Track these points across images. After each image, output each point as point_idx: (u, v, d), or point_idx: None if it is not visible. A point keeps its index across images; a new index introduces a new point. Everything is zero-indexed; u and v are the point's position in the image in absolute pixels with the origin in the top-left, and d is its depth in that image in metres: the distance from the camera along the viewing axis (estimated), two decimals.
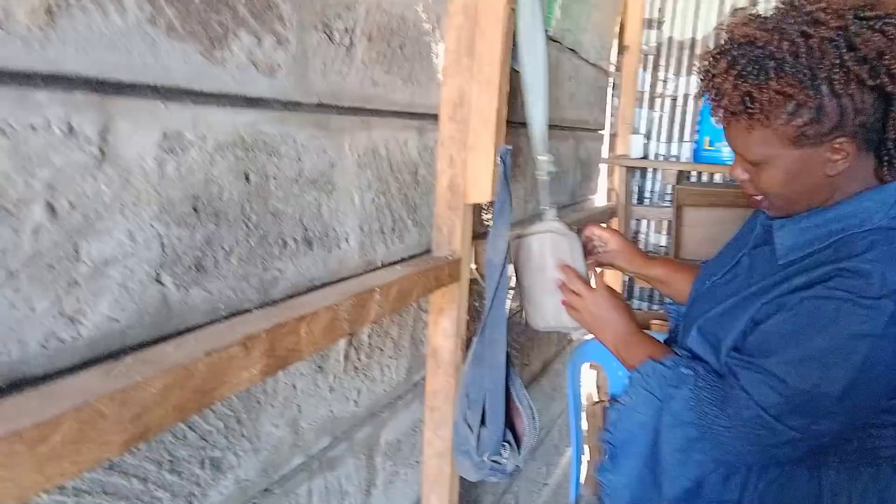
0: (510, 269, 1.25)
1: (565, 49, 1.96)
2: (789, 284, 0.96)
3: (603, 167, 2.70)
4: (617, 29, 2.64)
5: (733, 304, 1.05)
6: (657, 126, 2.85)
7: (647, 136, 2.84)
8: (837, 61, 0.85)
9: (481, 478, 1.26)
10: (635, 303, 2.97)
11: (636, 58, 2.72)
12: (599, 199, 2.68)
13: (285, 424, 0.90)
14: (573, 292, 1.20)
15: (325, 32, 0.89)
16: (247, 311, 0.79)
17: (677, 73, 2.80)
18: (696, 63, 1.00)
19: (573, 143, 2.20)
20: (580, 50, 2.12)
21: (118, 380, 0.52)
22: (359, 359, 1.07)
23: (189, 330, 0.70)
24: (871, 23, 0.87)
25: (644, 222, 2.94)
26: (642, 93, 2.83)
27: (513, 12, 1.14)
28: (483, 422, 1.23)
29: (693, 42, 2.76)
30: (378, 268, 1.08)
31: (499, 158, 1.17)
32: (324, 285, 0.94)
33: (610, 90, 2.70)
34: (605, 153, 2.73)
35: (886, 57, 0.85)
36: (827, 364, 0.89)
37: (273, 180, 0.82)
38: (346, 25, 0.93)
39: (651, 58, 2.82)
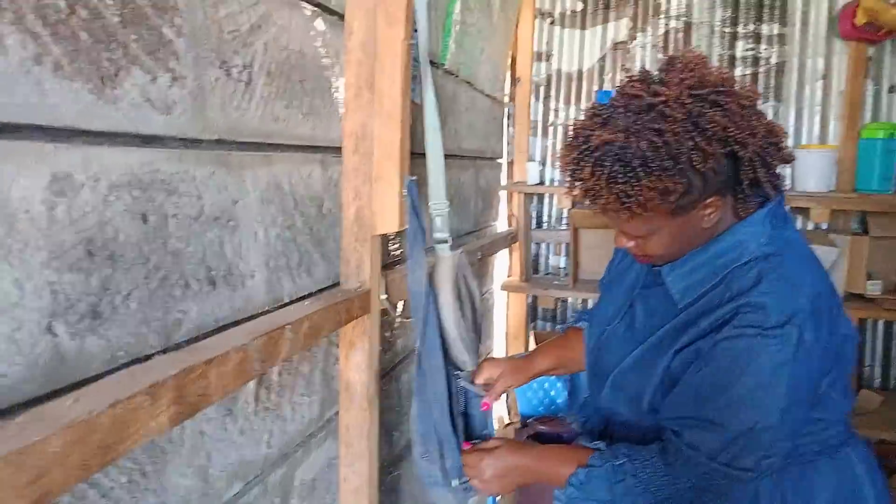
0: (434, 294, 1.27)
1: (461, 81, 2.02)
2: (697, 329, 1.02)
3: (503, 194, 2.78)
4: (508, 62, 2.75)
5: (642, 354, 1.10)
6: (551, 153, 2.97)
7: (543, 163, 2.95)
8: (692, 144, 0.93)
9: (464, 502, 1.26)
10: (539, 324, 3.05)
11: (528, 89, 2.84)
12: (501, 225, 2.76)
13: (193, 474, 0.86)
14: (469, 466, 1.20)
15: (222, 68, 0.88)
16: (149, 357, 0.76)
17: (567, 103, 2.93)
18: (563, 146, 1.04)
19: (473, 172, 2.25)
20: (475, 82, 2.19)
21: (12, 440, 0.48)
22: (269, 399, 1.04)
23: (87, 381, 0.66)
24: (707, 100, 0.95)
25: (543, 245, 3.04)
26: (536, 122, 2.95)
27: (410, 47, 1.17)
28: (441, 453, 1.22)
29: (580, 73, 2.90)
30: (286, 304, 1.06)
31: (404, 190, 1.18)
32: (230, 325, 0.91)
33: (505, 120, 2.79)
34: (503, 180, 2.82)
35: (731, 129, 0.95)
36: (758, 399, 0.96)
37: (172, 219, 0.79)
38: (244, 61, 0.92)
39: (542, 88, 2.94)
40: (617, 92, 1.01)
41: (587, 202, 1.02)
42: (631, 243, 1.07)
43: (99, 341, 0.68)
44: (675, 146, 0.93)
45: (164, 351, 0.78)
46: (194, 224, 0.83)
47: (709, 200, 1.00)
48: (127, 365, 0.72)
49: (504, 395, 2.52)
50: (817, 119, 2.69)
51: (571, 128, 1.03)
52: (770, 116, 2.65)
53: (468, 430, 1.30)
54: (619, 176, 0.95)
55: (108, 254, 0.69)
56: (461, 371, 1.30)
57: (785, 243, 1.03)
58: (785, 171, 2.65)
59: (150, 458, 0.77)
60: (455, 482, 1.23)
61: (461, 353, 1.30)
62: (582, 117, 1.03)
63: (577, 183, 1.01)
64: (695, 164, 0.93)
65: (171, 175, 0.79)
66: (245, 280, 0.95)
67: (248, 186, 0.95)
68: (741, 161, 0.98)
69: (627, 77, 1.03)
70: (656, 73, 1.01)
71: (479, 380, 1.32)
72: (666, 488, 1.02)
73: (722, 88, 0.96)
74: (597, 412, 1.26)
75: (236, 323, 0.93)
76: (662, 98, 0.94)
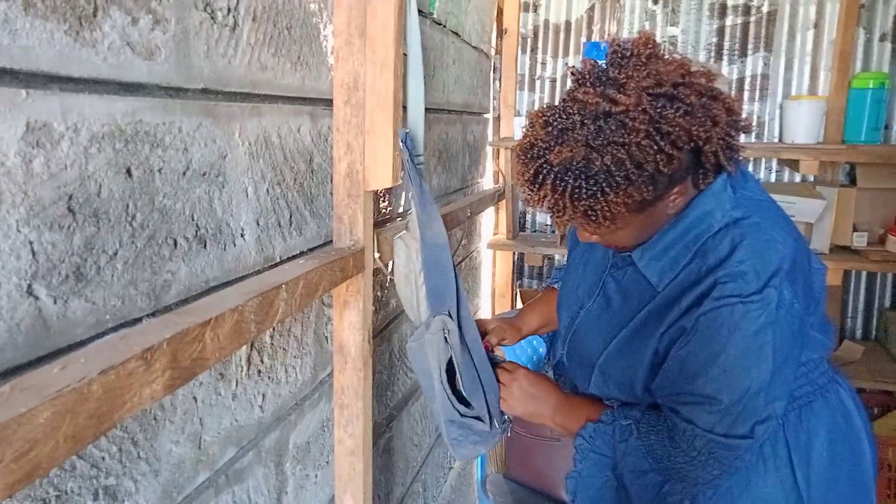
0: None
1: (448, 32, 1.95)
2: (679, 307, 1.02)
3: (489, 150, 2.72)
4: (495, 13, 2.66)
5: (626, 339, 1.09)
6: (538, 107, 2.91)
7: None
8: (656, 148, 0.90)
9: (497, 440, 1.28)
10: (526, 281, 3.04)
11: (515, 41, 2.75)
12: (487, 182, 2.71)
13: (186, 440, 0.83)
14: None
15: (206, 11, 0.81)
16: (137, 320, 0.71)
17: (555, 56, 2.86)
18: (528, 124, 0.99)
19: (461, 127, 2.20)
20: (462, 33, 2.12)
21: None
22: (262, 361, 1.01)
23: (73, 347, 0.61)
24: (667, 99, 0.91)
25: (523, 191, 3.00)
26: (522, 75, 2.88)
27: None
28: (485, 397, 1.23)
29: (568, 24, 2.83)
30: (277, 263, 1.02)
31: (400, 143, 1.13)
32: (220, 286, 0.87)
33: (492, 73, 2.72)
34: (490, 136, 2.76)
35: (693, 128, 0.92)
36: (745, 367, 0.96)
37: (158, 174, 0.74)
38: (228, 4, 0.86)
39: (529, 41, 2.87)
40: (569, 96, 0.95)
41: (553, 220, 0.99)
42: (595, 237, 1.04)
43: (84, 304, 0.64)
44: (640, 157, 0.90)
45: (154, 314, 0.74)
46: (181, 179, 0.78)
47: (674, 190, 0.99)
48: (114, 329, 0.68)
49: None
50: (807, 70, 2.65)
51: (523, 137, 0.97)
52: (760, 68, 2.65)
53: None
54: (584, 192, 0.91)
55: (91, 211, 0.64)
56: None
57: (749, 202, 1.03)
58: (774, 122, 2.64)
59: (140, 426, 0.74)
60: (496, 422, 1.25)
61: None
62: (532, 125, 0.96)
63: (536, 198, 0.96)
64: (660, 165, 0.91)
65: (156, 126, 0.73)
66: (235, 238, 0.91)
67: (236, 139, 0.89)
68: (704, 151, 0.96)
69: (574, 78, 0.98)
70: (608, 69, 0.95)
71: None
72: (666, 459, 1.03)
73: (679, 81, 0.92)
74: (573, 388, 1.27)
75: (227, 284, 0.88)
76: (621, 107, 0.89)
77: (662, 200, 0.99)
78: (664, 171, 0.92)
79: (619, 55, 0.95)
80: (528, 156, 0.95)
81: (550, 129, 0.93)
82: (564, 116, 0.93)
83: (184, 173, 0.78)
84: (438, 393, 1.23)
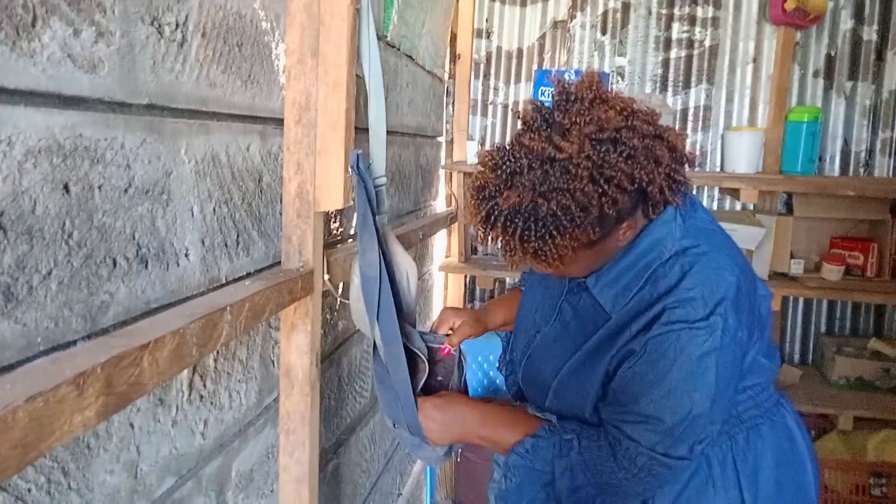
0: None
1: (402, 55, 1.96)
2: (629, 332, 1.04)
3: (442, 173, 2.73)
4: (449, 38, 2.69)
5: (580, 362, 1.11)
6: (490, 132, 2.94)
7: (482, 143, 2.92)
8: (600, 192, 0.93)
9: (447, 457, 1.26)
10: (477, 304, 3.05)
11: (468, 66, 2.79)
12: (440, 205, 2.72)
13: (122, 469, 0.79)
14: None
15: (153, 25, 0.79)
16: (72, 343, 0.68)
17: (507, 82, 2.91)
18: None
19: (414, 150, 2.20)
20: (416, 57, 2.13)
21: None
22: (204, 386, 0.97)
23: (0, 371, 0.58)
24: (610, 144, 0.94)
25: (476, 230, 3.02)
26: (475, 100, 2.91)
27: (357, 12, 1.11)
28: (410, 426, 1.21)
29: (520, 52, 2.88)
30: (223, 284, 0.99)
31: (351, 165, 1.12)
32: (163, 307, 0.83)
33: (445, 98, 2.74)
34: (443, 160, 2.77)
35: (636, 171, 0.95)
36: (689, 390, 0.99)
37: (98, 191, 0.71)
38: (177, 19, 0.84)
39: (482, 66, 2.91)
40: (516, 140, 0.98)
41: (504, 257, 1.01)
42: (548, 270, 1.06)
43: (14, 326, 0.60)
44: (585, 201, 0.93)
45: (90, 336, 0.71)
46: (123, 197, 0.75)
47: (623, 225, 1.02)
48: (46, 353, 0.64)
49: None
50: (747, 102, 2.76)
51: (475, 179, 1.00)
52: (703, 100, 2.74)
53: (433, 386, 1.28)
54: (532, 235, 0.94)
55: (24, 228, 0.61)
56: (412, 334, 1.28)
57: (698, 231, 1.07)
58: (716, 151, 2.73)
59: (72, 455, 0.70)
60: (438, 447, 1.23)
61: (411, 317, 1.29)
62: (483, 166, 1.00)
63: (489, 238, 1.00)
64: (605, 206, 0.94)
65: (97, 142, 0.71)
66: (179, 258, 0.88)
67: (182, 157, 0.87)
68: (649, 190, 0.99)
69: (521, 121, 1.01)
70: (553, 112, 0.98)
71: (442, 328, 1.31)
72: (606, 475, 1.04)
73: (622, 126, 0.95)
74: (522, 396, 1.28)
75: (170, 305, 0.85)
76: (565, 154, 0.92)
77: (611, 236, 1.02)
78: (609, 212, 0.95)
79: (564, 98, 0.98)
80: (480, 197, 0.98)
81: (500, 172, 0.96)
82: (513, 160, 0.96)
83: (125, 190, 0.76)
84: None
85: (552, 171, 0.92)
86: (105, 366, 0.58)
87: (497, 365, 1.52)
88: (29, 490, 0.64)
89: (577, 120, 0.94)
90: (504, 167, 0.96)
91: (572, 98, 0.97)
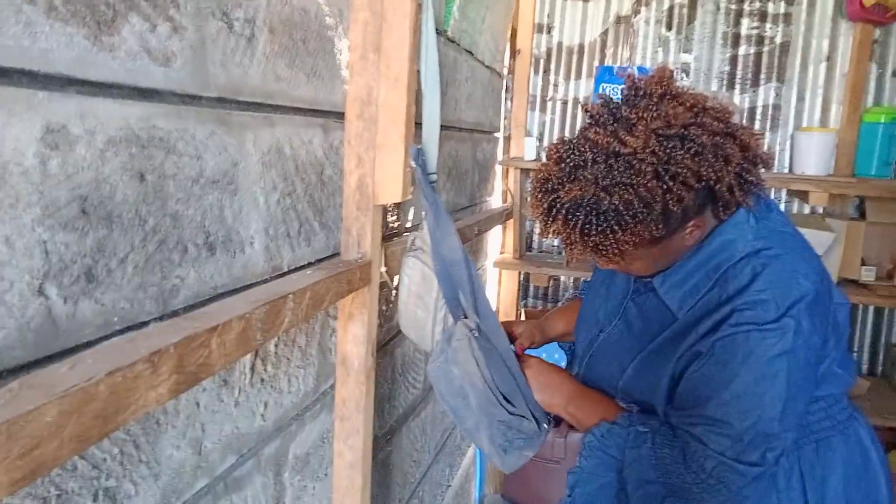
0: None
1: (462, 50, 1.97)
2: (696, 334, 1.02)
3: (498, 169, 2.73)
4: (509, 33, 2.69)
5: (644, 362, 1.09)
6: (549, 129, 2.92)
7: (540, 139, 2.91)
8: (665, 188, 0.92)
9: (542, 439, 1.23)
10: (531, 301, 3.04)
11: (528, 62, 2.78)
12: (495, 201, 2.72)
13: (187, 445, 0.83)
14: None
15: (224, 21, 0.83)
16: (144, 323, 0.72)
17: (567, 78, 2.88)
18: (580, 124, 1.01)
19: (471, 145, 2.21)
20: (476, 52, 2.14)
21: (3, 409, 0.44)
22: (265, 370, 1.01)
23: (80, 347, 0.62)
24: (677, 141, 0.92)
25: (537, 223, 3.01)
26: (534, 96, 2.90)
27: (419, 8, 1.12)
28: (527, 402, 1.20)
29: (581, 48, 2.85)
30: (284, 273, 1.02)
31: (412, 160, 1.14)
32: (228, 293, 0.87)
33: (504, 93, 2.74)
34: (500, 155, 2.77)
35: (703, 169, 0.93)
36: (759, 393, 0.96)
37: (171, 180, 0.75)
38: (246, 15, 0.87)
39: (542, 62, 2.89)
40: (582, 134, 0.98)
41: (564, 248, 1.01)
42: (612, 266, 1.05)
43: (93, 306, 0.64)
44: (648, 197, 0.91)
45: (161, 318, 0.74)
46: (194, 186, 0.79)
47: (689, 224, 0.99)
48: (122, 332, 0.68)
49: None
50: (819, 101, 2.66)
51: (539, 171, 1.00)
52: (772, 98, 2.66)
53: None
54: (593, 229, 0.93)
55: (104, 213, 0.65)
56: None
57: (772, 234, 1.03)
58: (784, 152, 2.64)
59: (143, 429, 0.74)
60: (544, 424, 1.21)
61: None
62: (548, 159, 1.00)
63: (549, 231, 0.99)
64: (669, 204, 0.92)
65: (170, 133, 0.74)
66: (244, 247, 0.91)
67: (249, 149, 0.90)
68: (717, 188, 0.97)
69: (587, 116, 0.99)
70: (621, 107, 0.96)
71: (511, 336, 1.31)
72: (675, 476, 1.02)
73: (690, 122, 0.93)
74: None
75: (234, 291, 0.89)
76: (630, 149, 0.91)
77: (677, 233, 1.00)
78: (674, 209, 0.93)
79: (633, 93, 0.97)
80: (543, 189, 0.98)
81: (563, 165, 0.96)
82: (577, 154, 0.95)
83: (196, 180, 0.79)
84: (483, 393, 1.18)
85: (616, 166, 0.92)
86: (177, 346, 0.61)
87: None
88: (104, 460, 0.68)
89: (645, 115, 0.92)
90: (568, 160, 0.95)
91: (641, 93, 0.96)
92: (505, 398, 1.19)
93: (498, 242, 2.90)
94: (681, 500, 1.04)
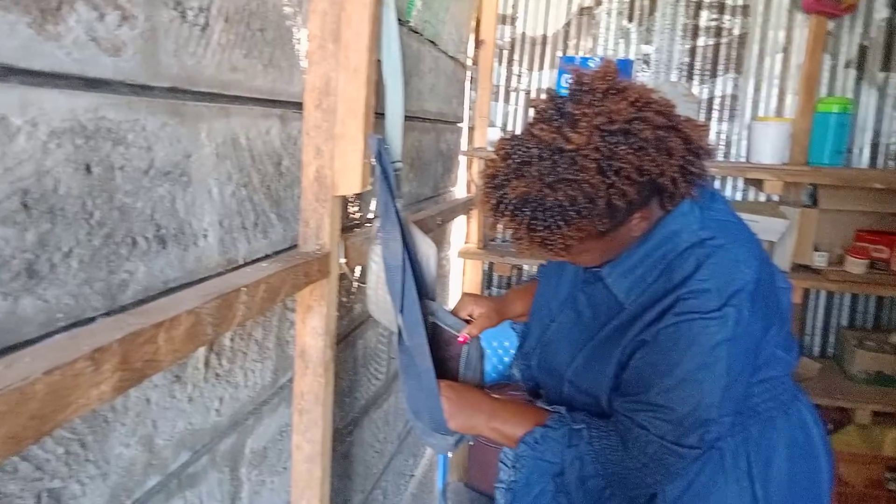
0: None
1: (425, 41, 1.95)
2: (642, 322, 1.05)
3: (462, 159, 2.73)
4: (473, 23, 2.68)
5: (592, 351, 1.11)
6: (513, 119, 2.93)
7: (504, 129, 2.91)
8: (608, 183, 0.93)
9: (456, 446, 1.26)
10: (494, 290, 3.05)
11: (492, 52, 2.77)
12: (460, 191, 2.72)
13: (138, 443, 0.82)
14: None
15: (176, 10, 0.81)
16: (91, 319, 0.70)
17: (530, 68, 2.89)
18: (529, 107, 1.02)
19: (434, 136, 2.20)
20: (439, 42, 2.13)
21: None
22: (220, 364, 1.00)
23: (21, 346, 0.60)
24: (619, 136, 0.94)
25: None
26: (498, 87, 2.90)
27: None
28: (433, 417, 1.21)
29: (544, 38, 2.86)
30: (240, 266, 1.01)
31: (373, 152, 1.13)
32: (181, 287, 0.85)
33: (467, 84, 2.73)
34: (464, 146, 2.77)
35: (646, 163, 0.95)
36: (699, 380, 0.99)
37: (120, 172, 0.73)
38: (200, 3, 0.85)
39: (506, 53, 2.89)
40: (528, 130, 0.99)
41: (512, 241, 1.02)
42: (558, 259, 1.06)
43: (35, 302, 0.63)
44: (592, 192, 0.93)
45: (109, 314, 0.73)
46: (144, 178, 0.77)
47: (635, 216, 1.01)
48: (66, 329, 0.67)
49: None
50: (775, 92, 2.72)
51: (487, 167, 1.01)
52: (729, 89, 2.70)
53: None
54: (539, 225, 0.95)
55: (46, 207, 0.63)
56: (437, 311, 1.28)
57: (716, 224, 1.06)
58: (741, 142, 2.70)
59: (90, 428, 0.72)
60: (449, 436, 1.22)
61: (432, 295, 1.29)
62: (496, 155, 1.00)
63: (498, 225, 1.01)
64: (613, 198, 0.94)
65: (120, 124, 0.72)
66: (197, 239, 0.90)
67: (203, 140, 0.88)
68: (661, 182, 0.98)
69: (534, 112, 1.00)
70: (566, 103, 0.97)
71: (462, 314, 1.31)
72: (616, 465, 1.04)
73: (633, 117, 0.94)
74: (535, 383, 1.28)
75: (188, 285, 0.87)
76: (573, 146, 0.92)
77: (623, 226, 1.02)
78: (618, 203, 0.94)
79: (578, 88, 0.98)
80: (491, 185, 1.00)
81: (510, 161, 0.97)
82: (523, 150, 0.96)
83: (146, 172, 0.77)
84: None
85: (560, 162, 0.93)
86: (121, 342, 0.60)
87: (514, 356, 1.52)
88: (48, 460, 0.67)
89: (588, 111, 0.94)
90: (515, 156, 0.96)
91: (585, 89, 0.97)
92: (414, 414, 1.22)
93: (462, 232, 2.90)
94: (619, 486, 1.07)
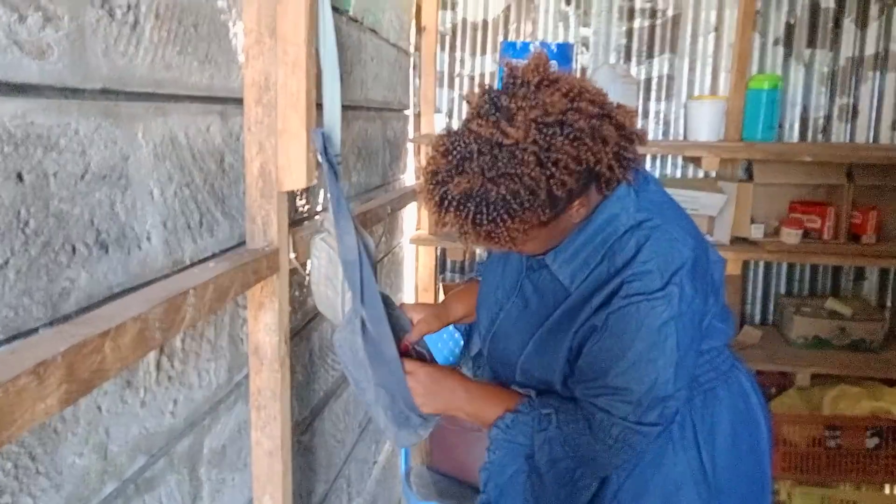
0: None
1: (366, 29, 1.94)
2: (590, 307, 1.08)
3: (410, 146, 2.73)
4: (413, 10, 2.67)
5: (543, 338, 1.14)
6: (458, 105, 2.94)
7: (449, 115, 2.92)
8: (548, 175, 0.95)
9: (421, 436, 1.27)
10: (448, 275, 3.07)
11: (434, 39, 2.77)
12: (409, 179, 2.72)
13: (91, 451, 0.80)
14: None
15: (104, 8, 0.79)
16: (34, 331, 0.69)
17: (473, 54, 2.90)
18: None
19: (381, 124, 2.20)
20: (380, 30, 2.11)
21: None
22: (172, 366, 0.99)
23: None
24: (555, 128, 0.96)
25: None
26: (441, 73, 2.90)
27: None
28: (405, 404, 1.21)
29: (485, 23, 2.87)
30: (187, 266, 0.99)
31: (318, 146, 1.12)
32: (126, 292, 0.84)
33: (411, 71, 2.73)
34: (410, 133, 2.77)
35: (583, 152, 0.97)
36: (653, 359, 1.03)
37: (54, 178, 0.71)
38: (128, 1, 0.83)
39: (447, 38, 2.89)
40: (465, 125, 1.00)
41: (458, 235, 1.03)
42: (504, 250, 1.08)
43: None
44: (533, 185, 0.95)
45: (52, 324, 0.71)
46: (79, 183, 0.75)
47: (575, 203, 1.04)
48: (7, 342, 0.65)
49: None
50: (709, 71, 2.80)
51: (427, 164, 1.02)
52: (666, 69, 2.77)
53: None
54: (484, 219, 0.97)
55: None
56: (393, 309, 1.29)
57: (652, 205, 1.11)
58: (679, 120, 2.77)
59: (39, 440, 0.71)
60: (418, 420, 1.23)
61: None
62: (435, 151, 1.01)
63: (442, 222, 1.02)
64: (553, 188, 0.96)
65: (50, 128, 0.70)
66: (140, 242, 0.88)
67: (139, 140, 0.87)
68: (598, 169, 1.01)
69: (469, 107, 1.02)
70: (501, 97, 0.99)
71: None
72: (584, 448, 1.08)
73: (567, 108, 0.97)
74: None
75: (133, 289, 0.86)
76: (512, 140, 0.94)
77: (565, 213, 1.04)
78: (559, 193, 0.97)
79: (512, 82, 0.99)
80: (433, 182, 1.00)
81: (451, 157, 0.98)
82: (463, 146, 0.97)
83: (82, 176, 0.76)
84: (385, 366, 1.21)
85: (500, 157, 0.95)
86: (66, 354, 0.59)
87: (464, 356, 1.54)
88: None
89: (523, 104, 0.95)
90: (455, 153, 0.97)
91: (519, 82, 0.98)
92: (390, 401, 1.22)
93: (413, 219, 2.91)
94: (589, 468, 1.11)
